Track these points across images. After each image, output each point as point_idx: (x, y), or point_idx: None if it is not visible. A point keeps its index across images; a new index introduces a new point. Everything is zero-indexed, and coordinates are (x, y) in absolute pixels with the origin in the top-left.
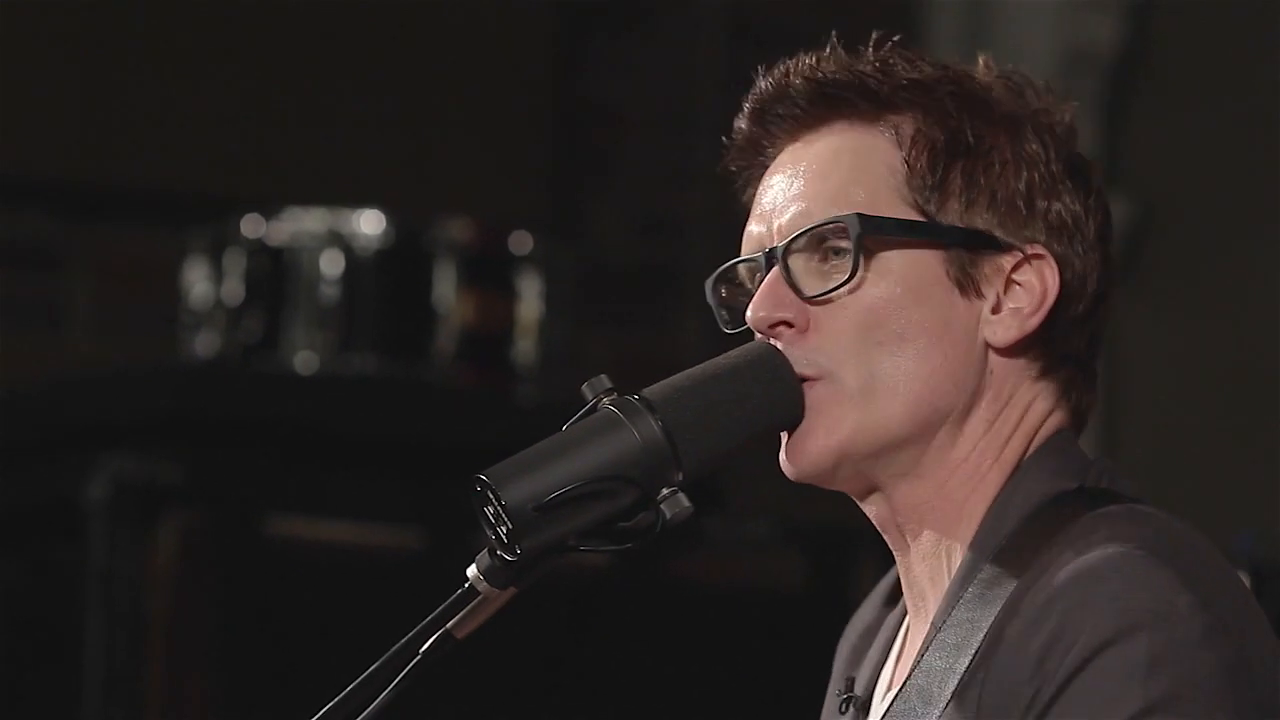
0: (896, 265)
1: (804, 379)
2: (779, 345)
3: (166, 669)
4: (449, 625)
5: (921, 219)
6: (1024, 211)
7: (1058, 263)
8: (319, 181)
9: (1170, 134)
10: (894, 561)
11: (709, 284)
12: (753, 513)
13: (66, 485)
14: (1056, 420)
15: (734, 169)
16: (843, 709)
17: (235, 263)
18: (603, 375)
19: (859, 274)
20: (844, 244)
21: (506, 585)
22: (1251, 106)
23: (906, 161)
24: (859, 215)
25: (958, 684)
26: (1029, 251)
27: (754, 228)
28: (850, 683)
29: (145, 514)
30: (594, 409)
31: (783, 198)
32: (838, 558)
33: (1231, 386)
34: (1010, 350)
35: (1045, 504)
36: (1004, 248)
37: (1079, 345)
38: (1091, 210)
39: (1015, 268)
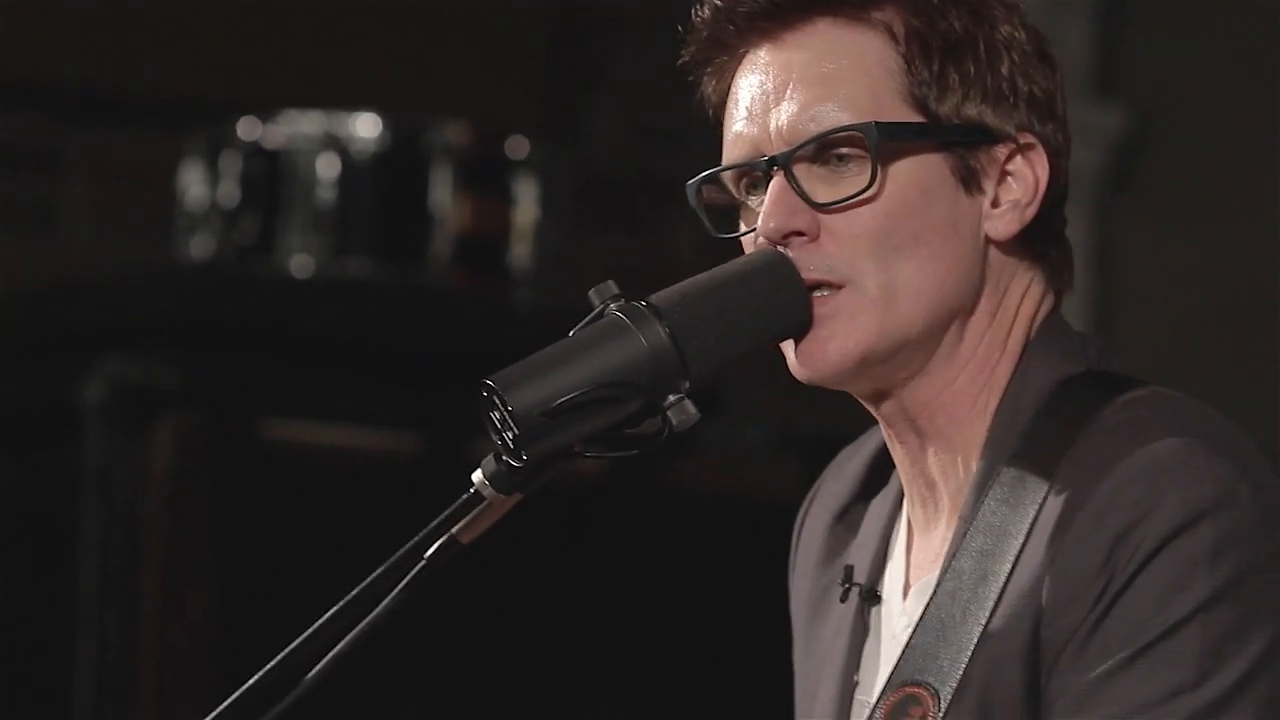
0: (908, 169)
1: (821, 285)
2: (790, 253)
3: (162, 571)
4: (454, 530)
5: (924, 119)
6: (1009, 99)
7: (1045, 148)
8: (315, 84)
9: (1168, 44)
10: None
11: (692, 187)
12: (749, 419)
13: (62, 388)
14: (1049, 301)
15: (693, 61)
16: (844, 598)
17: (231, 165)
18: (610, 281)
19: (877, 181)
20: (854, 151)
21: (512, 491)
22: (1250, 17)
23: (906, 60)
24: (876, 124)
25: (999, 592)
26: (1021, 141)
27: (742, 128)
28: (850, 571)
29: (141, 417)
30: (601, 315)
31: (775, 100)
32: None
33: (1228, 299)
34: (1008, 241)
35: (1058, 392)
36: (998, 138)
37: (1059, 223)
38: (1058, 85)
39: (1008, 158)
